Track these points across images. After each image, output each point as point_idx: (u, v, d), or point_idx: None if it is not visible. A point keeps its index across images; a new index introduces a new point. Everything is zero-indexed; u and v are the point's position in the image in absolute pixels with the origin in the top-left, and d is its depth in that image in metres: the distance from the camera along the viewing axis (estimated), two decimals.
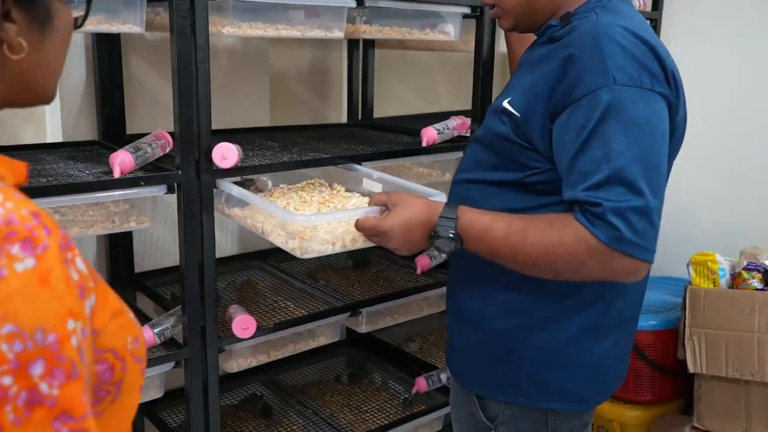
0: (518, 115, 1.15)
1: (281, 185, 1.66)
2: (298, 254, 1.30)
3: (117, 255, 1.79)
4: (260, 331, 1.54)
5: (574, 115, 1.06)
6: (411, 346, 2.34)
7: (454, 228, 1.13)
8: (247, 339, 1.51)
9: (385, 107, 2.37)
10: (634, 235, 1.01)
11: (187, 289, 1.42)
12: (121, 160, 1.34)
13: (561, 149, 1.09)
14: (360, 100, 2.24)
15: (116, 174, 1.33)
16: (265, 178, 1.61)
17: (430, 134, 1.79)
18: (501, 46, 1.83)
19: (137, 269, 1.85)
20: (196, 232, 1.40)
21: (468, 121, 1.88)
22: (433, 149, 1.81)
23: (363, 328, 1.81)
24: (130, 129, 1.73)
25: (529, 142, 1.15)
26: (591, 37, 1.07)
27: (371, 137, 1.98)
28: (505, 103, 1.17)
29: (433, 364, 2.15)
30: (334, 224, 1.29)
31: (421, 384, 1.97)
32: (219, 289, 1.86)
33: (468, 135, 1.87)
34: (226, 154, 1.38)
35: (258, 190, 1.60)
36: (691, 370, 2.06)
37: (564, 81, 1.08)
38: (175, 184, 1.37)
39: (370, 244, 1.30)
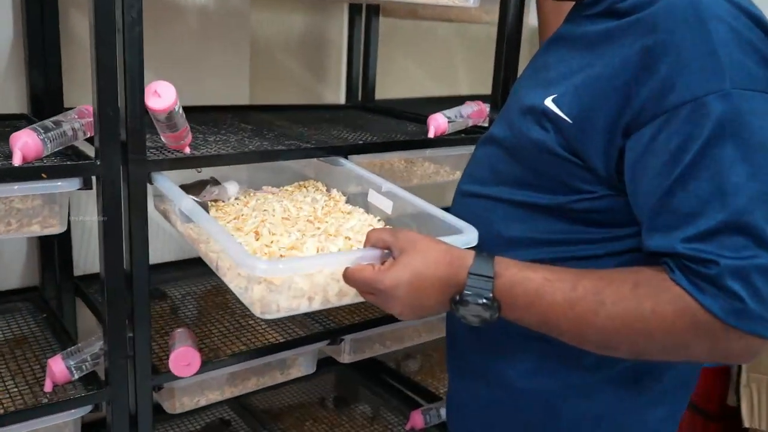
0: (568, 121, 0.83)
1: (264, 187, 1.31)
2: (257, 311, 0.90)
3: (50, 253, 1.48)
4: (209, 365, 1.23)
5: (667, 129, 0.76)
6: (410, 365, 2.08)
7: (491, 290, 0.81)
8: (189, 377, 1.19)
9: (391, 87, 2.04)
10: (760, 306, 0.71)
11: (109, 310, 1.10)
12: (24, 144, 1.02)
13: (642, 176, 0.78)
14: (361, 77, 1.91)
15: (16, 161, 1.01)
16: (225, 187, 1.23)
17: (438, 123, 1.46)
18: (531, 19, 1.49)
19: (77, 271, 1.53)
20: (117, 238, 1.08)
21: (486, 108, 1.54)
22: (442, 141, 1.48)
23: (346, 357, 1.49)
24: (69, 101, 1.40)
25: (581, 159, 0.84)
26: (692, 16, 0.75)
27: (370, 123, 1.66)
28: (549, 102, 0.85)
29: (434, 392, 1.87)
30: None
31: (417, 420, 1.71)
32: (175, 300, 1.56)
33: (487, 126, 1.53)
34: (162, 92, 1.04)
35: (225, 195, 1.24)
36: (746, 424, 1.72)
37: (649, 79, 0.76)
38: (93, 177, 1.05)
39: (362, 299, 0.93)
